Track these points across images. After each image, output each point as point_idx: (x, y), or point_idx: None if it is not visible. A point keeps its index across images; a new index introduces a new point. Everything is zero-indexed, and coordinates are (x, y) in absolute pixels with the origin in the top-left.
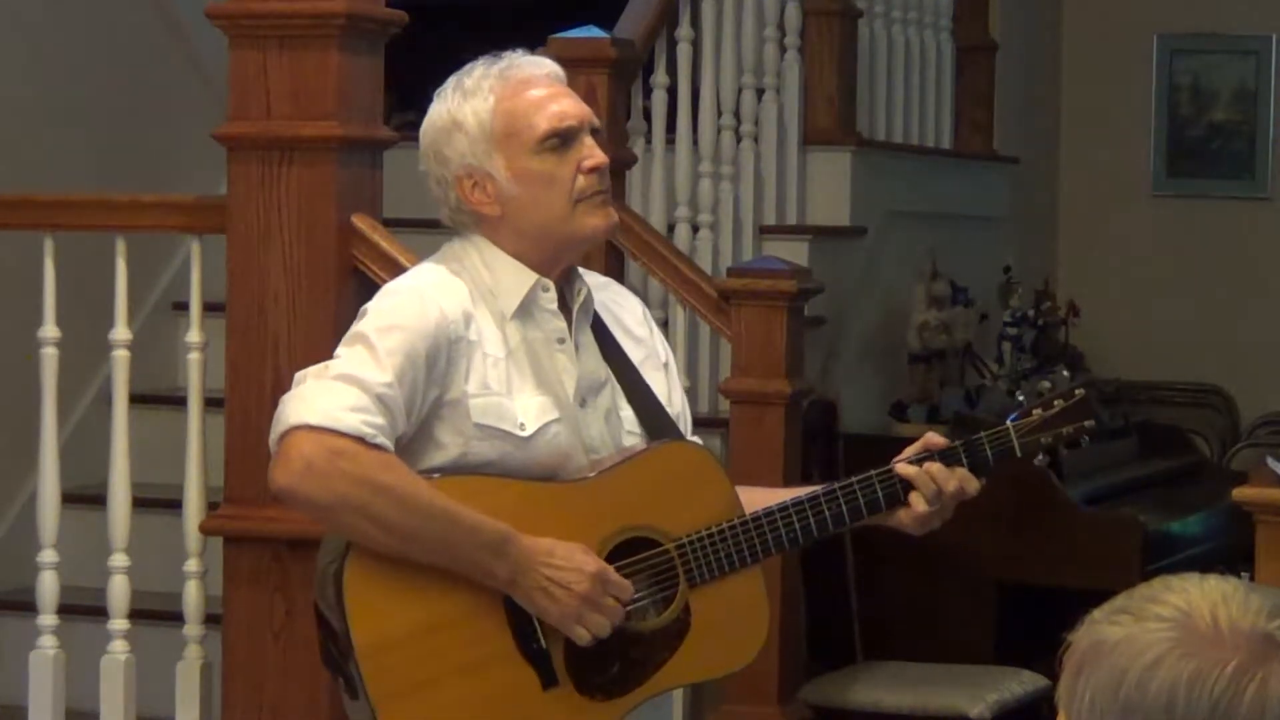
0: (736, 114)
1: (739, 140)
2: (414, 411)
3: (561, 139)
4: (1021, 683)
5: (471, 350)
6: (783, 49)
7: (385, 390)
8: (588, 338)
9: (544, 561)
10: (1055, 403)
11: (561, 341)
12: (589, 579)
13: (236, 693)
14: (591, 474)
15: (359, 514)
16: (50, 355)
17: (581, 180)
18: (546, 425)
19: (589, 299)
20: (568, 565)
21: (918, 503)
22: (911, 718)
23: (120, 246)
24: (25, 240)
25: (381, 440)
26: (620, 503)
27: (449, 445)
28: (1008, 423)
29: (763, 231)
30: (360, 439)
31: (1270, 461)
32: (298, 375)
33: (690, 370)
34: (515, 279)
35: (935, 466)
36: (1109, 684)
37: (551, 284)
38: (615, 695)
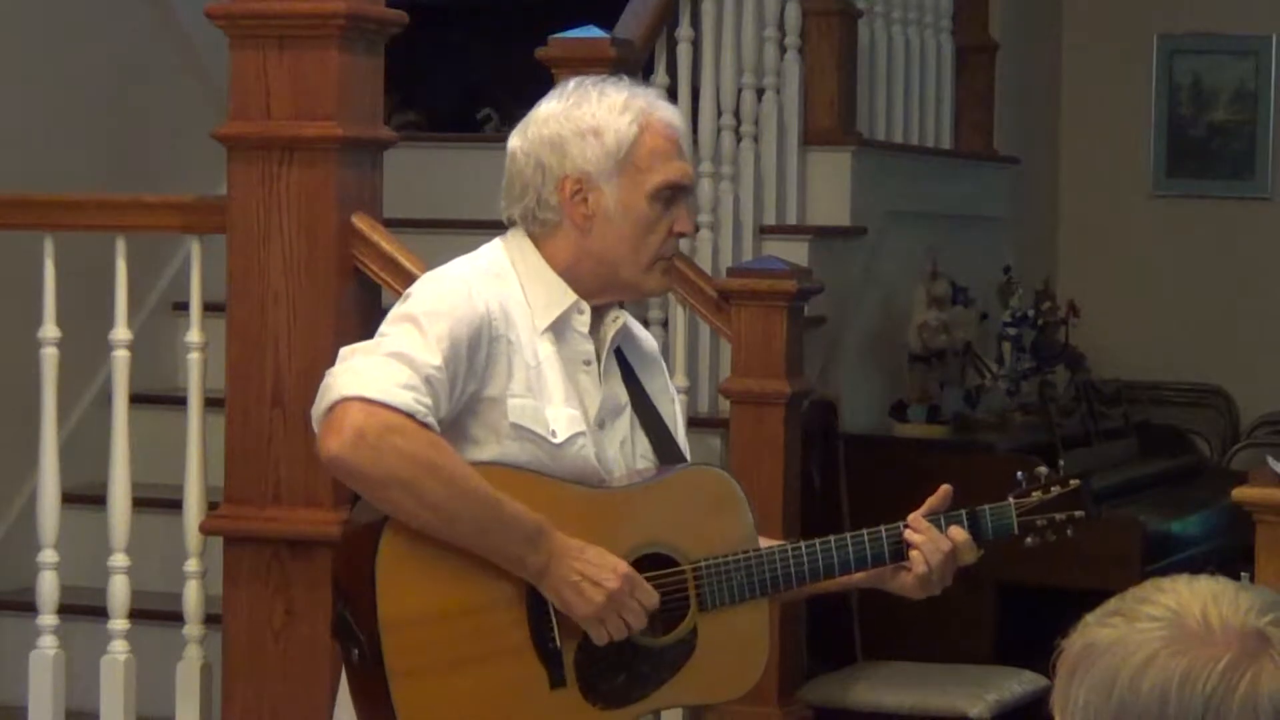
0: (736, 114)
1: (739, 140)
2: (452, 401)
3: (673, 194)
4: (1021, 683)
5: (512, 351)
6: (783, 49)
7: (434, 373)
8: (612, 364)
9: (576, 557)
10: (1053, 489)
11: (588, 364)
12: (620, 579)
13: (236, 693)
14: (623, 484)
15: (406, 490)
16: (50, 355)
17: (669, 242)
18: (575, 436)
19: (622, 330)
20: (601, 563)
21: (918, 562)
22: (911, 718)
23: (120, 246)
24: (25, 240)
25: (431, 420)
26: (647, 517)
27: (483, 442)
28: (1009, 499)
29: (763, 231)
30: (412, 416)
31: (1270, 461)
32: (343, 350)
33: (690, 370)
34: (554, 295)
35: (957, 531)
36: (1102, 685)
37: (588, 308)
38: (615, 705)
